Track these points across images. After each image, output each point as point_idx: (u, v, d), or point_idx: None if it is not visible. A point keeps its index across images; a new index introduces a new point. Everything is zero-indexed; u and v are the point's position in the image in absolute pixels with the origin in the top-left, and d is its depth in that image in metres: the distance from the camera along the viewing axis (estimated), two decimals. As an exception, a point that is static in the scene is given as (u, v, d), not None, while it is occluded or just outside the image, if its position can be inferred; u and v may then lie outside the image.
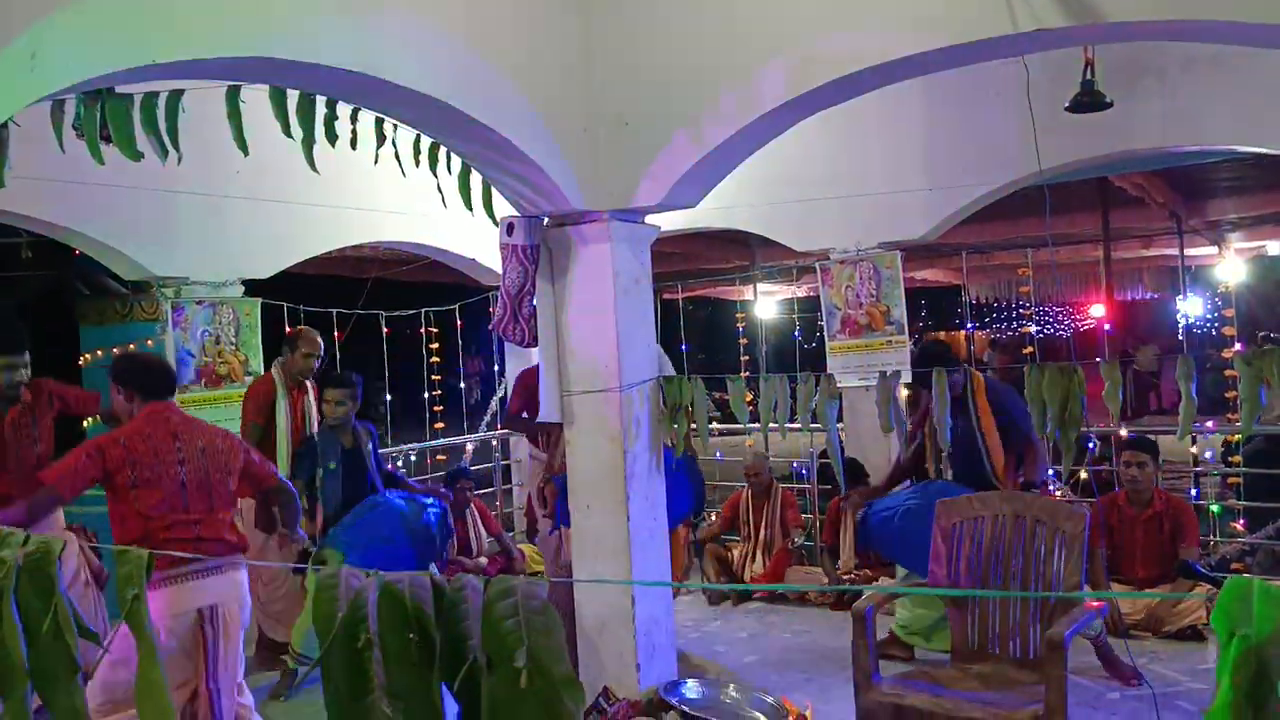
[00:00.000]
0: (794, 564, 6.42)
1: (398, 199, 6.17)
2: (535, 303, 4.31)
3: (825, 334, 6.74)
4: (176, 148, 3.20)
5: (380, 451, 5.22)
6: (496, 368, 8.04)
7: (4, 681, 1.17)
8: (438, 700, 0.97)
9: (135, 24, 2.56)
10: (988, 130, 5.96)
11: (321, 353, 5.38)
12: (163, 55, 2.59)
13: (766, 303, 14.31)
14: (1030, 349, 8.16)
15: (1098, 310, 13.53)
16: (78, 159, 3.58)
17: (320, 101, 3.41)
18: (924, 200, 6.35)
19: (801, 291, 13.56)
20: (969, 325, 14.31)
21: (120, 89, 3.15)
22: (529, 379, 5.73)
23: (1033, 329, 11.16)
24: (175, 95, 3.13)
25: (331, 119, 3.47)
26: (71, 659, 1.17)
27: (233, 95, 3.23)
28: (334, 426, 4.91)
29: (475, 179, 4.32)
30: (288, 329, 6.48)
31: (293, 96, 3.38)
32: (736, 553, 6.57)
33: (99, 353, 6.16)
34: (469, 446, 8.07)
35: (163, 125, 3.12)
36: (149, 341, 5.97)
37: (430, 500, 5.00)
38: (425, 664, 0.93)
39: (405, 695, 0.94)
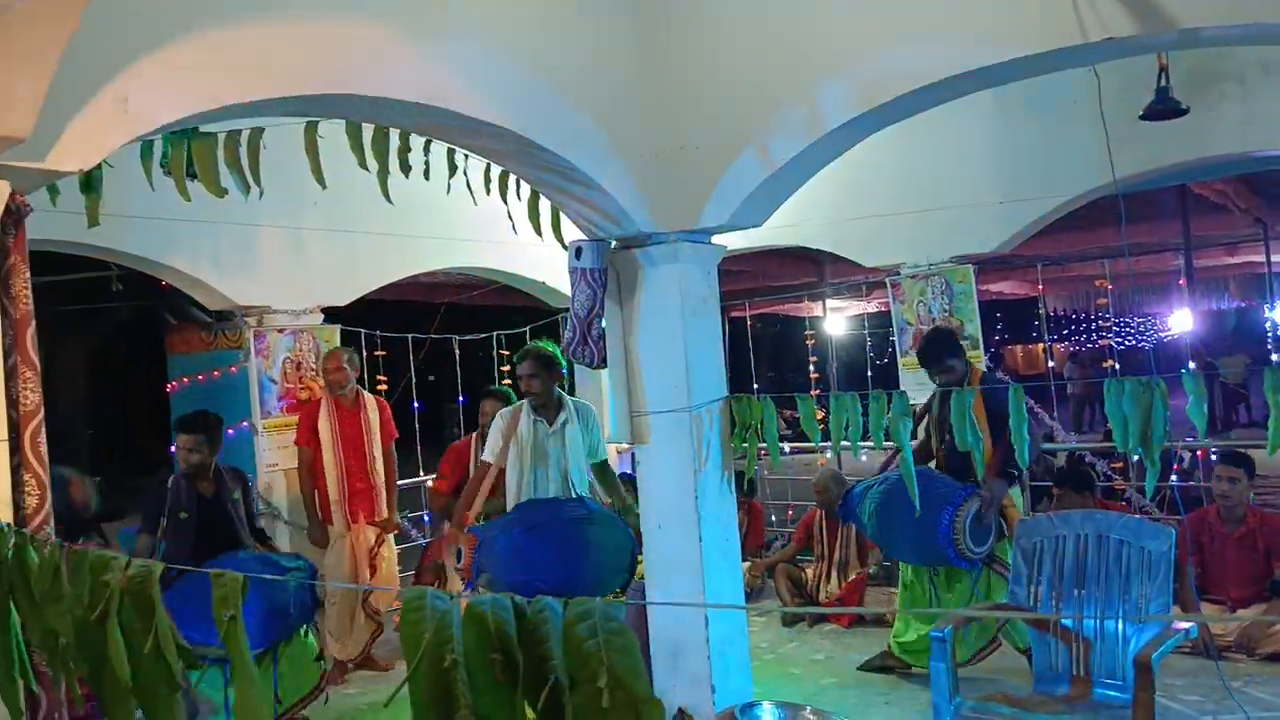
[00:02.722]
0: (871, 585, 6.35)
1: (469, 226, 6.29)
2: (604, 325, 4.36)
3: (897, 350, 6.67)
4: (258, 183, 3.32)
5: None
6: (566, 389, 8.12)
7: (111, 699, 1.24)
8: (522, 719, 1.00)
9: (219, 67, 2.67)
10: (1061, 140, 5.86)
11: (344, 364, 5.50)
12: (245, 95, 2.70)
13: (836, 319, 14.19)
14: (1110, 362, 7.96)
15: (1181, 320, 13.13)
16: (164, 195, 3.74)
17: (394, 134, 3.50)
18: (996, 212, 6.26)
19: (872, 307, 13.41)
20: (1047, 338, 14.00)
21: (203, 127, 3.29)
22: (460, 454, 5.63)
23: (1112, 341, 10.88)
24: (256, 133, 3.26)
25: (405, 151, 3.57)
26: (172, 677, 1.23)
27: (310, 131, 3.34)
28: (189, 474, 4.48)
29: (544, 205, 4.39)
30: (366, 353, 6.67)
31: (368, 130, 3.49)
32: (810, 573, 6.52)
33: (185, 380, 6.40)
34: None
35: (245, 162, 3.25)
36: (233, 368, 6.18)
37: (295, 566, 4.48)
38: (509, 684, 0.96)
39: (490, 714, 0.97)
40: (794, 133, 3.86)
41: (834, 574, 6.35)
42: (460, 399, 8.93)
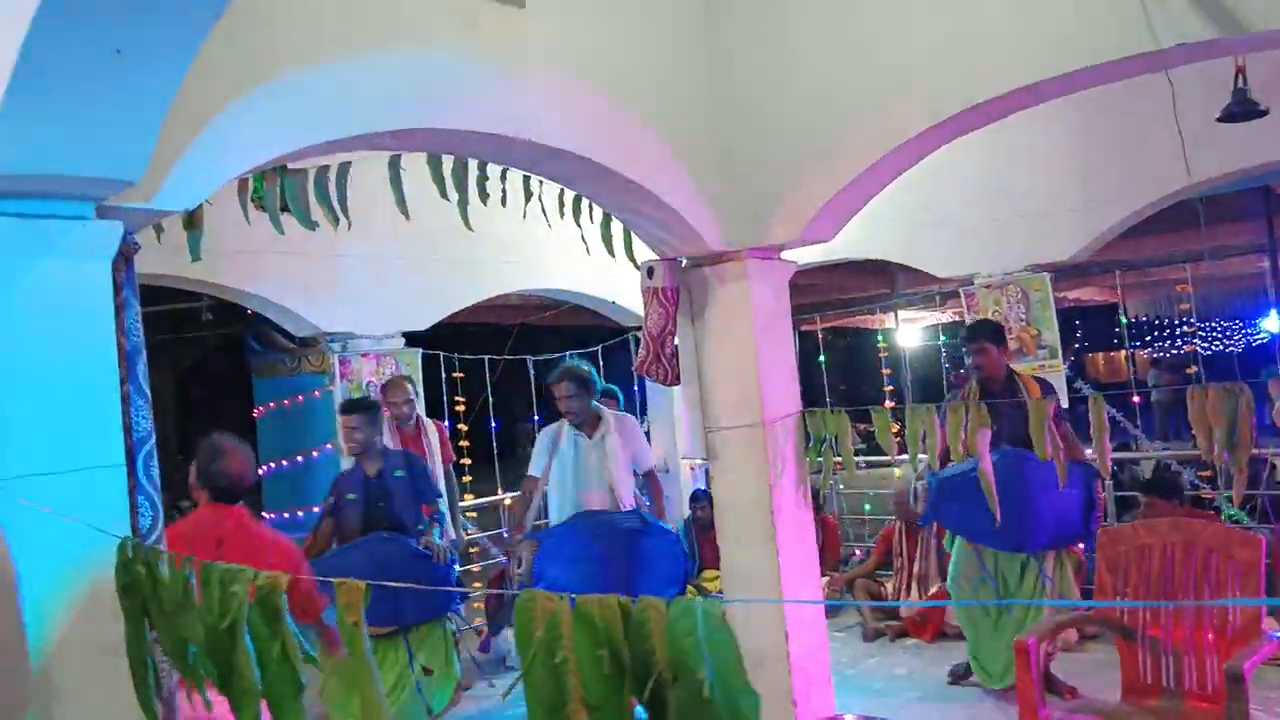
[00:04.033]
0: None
1: (542, 248, 6.42)
2: (677, 342, 4.42)
3: (973, 360, 6.59)
4: (346, 215, 3.47)
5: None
6: (639, 406, 8.21)
7: (240, 699, 1.34)
8: (628, 711, 1.06)
9: (311, 105, 2.81)
10: (1139, 144, 5.77)
11: (411, 396, 5.64)
12: (336, 132, 2.84)
13: (910, 330, 13.99)
14: (1194, 368, 7.76)
15: (1268, 324, 12.70)
16: (253, 228, 3.92)
17: (473, 164, 3.62)
18: (1073, 219, 6.17)
19: (946, 317, 13.23)
20: (1128, 345, 13.65)
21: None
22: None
23: (1197, 346, 10.58)
24: (344, 167, 3.40)
25: (483, 180, 3.69)
26: (296, 679, 1.33)
27: (394, 164, 3.48)
28: (356, 456, 4.76)
29: (616, 226, 4.48)
30: (445, 375, 6.84)
31: (447, 160, 3.62)
32: (889, 587, 6.46)
33: (271, 405, 6.63)
34: None
35: (333, 196, 3.40)
36: (316, 393, 6.40)
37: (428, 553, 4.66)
38: (616, 678, 1.03)
39: (600, 705, 1.04)
40: (863, 147, 3.88)
41: (914, 587, 6.29)
42: (534, 419, 9.06)
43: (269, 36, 2.75)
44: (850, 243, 6.55)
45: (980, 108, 3.62)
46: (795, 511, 4.30)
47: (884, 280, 11.53)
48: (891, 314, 12.34)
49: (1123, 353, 15.96)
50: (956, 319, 10.57)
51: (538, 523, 5.00)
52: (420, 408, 6.09)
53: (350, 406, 4.88)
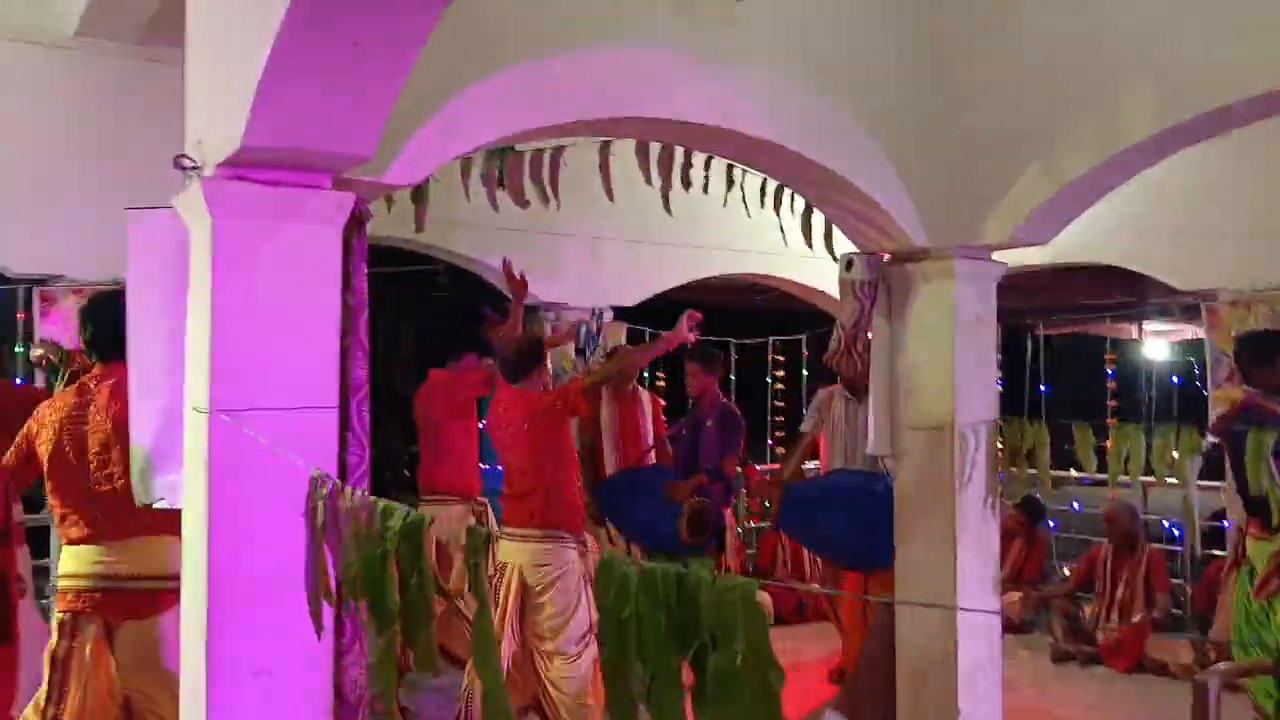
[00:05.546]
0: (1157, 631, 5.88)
1: (751, 235, 6.50)
2: (870, 337, 4.39)
3: (1209, 381, 6.12)
4: (556, 196, 3.70)
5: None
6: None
7: (381, 622, 1.56)
8: (677, 669, 1.18)
9: (531, 93, 3.04)
10: None
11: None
12: (553, 118, 3.05)
13: (1154, 343, 12.97)
14: None
15: None
16: (483, 203, 4.24)
17: (679, 151, 3.76)
18: (1338, 233, 5.58)
19: (1200, 330, 12.18)
20: None
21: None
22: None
23: None
24: (557, 151, 3.63)
25: (688, 167, 3.82)
26: (429, 608, 1.54)
27: (604, 150, 3.67)
28: (695, 398, 5.79)
29: (817, 216, 4.49)
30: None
31: (654, 147, 3.77)
32: (1088, 610, 6.14)
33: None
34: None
35: (545, 177, 3.63)
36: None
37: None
38: (671, 638, 1.14)
39: (651, 661, 1.15)
40: (1086, 147, 3.69)
41: (1114, 614, 5.94)
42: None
43: (499, 27, 3.00)
44: (1079, 245, 6.20)
45: (1218, 113, 3.36)
46: (979, 519, 4.19)
47: (1128, 288, 10.77)
48: (1131, 324, 11.50)
49: None
50: (1199, 337, 9.73)
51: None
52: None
53: (687, 354, 5.83)
